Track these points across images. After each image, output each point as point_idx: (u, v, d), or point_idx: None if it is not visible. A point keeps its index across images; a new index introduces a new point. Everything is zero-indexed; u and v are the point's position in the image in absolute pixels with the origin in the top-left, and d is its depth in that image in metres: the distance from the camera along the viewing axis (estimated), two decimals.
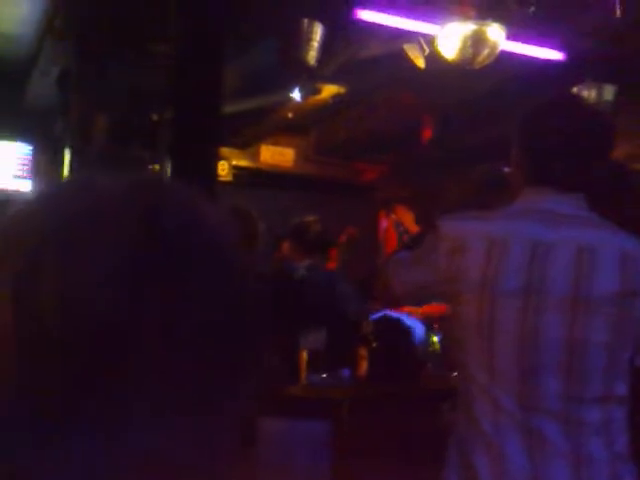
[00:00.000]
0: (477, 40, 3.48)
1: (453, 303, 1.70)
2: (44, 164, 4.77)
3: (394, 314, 3.72)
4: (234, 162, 5.90)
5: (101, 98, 3.98)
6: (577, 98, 1.79)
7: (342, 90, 4.60)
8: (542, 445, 1.57)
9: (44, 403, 0.44)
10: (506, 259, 1.59)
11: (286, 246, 3.85)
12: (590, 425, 1.58)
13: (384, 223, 6.84)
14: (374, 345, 3.38)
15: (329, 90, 4.59)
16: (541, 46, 3.73)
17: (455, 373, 2.37)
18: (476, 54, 3.51)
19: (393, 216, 6.85)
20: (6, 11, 3.96)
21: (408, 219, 6.98)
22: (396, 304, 3.16)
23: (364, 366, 3.35)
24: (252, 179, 5.92)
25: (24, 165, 4.75)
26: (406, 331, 3.60)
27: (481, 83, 4.06)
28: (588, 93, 3.98)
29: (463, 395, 1.69)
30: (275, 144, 6.01)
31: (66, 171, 3.97)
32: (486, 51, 3.51)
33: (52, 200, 0.50)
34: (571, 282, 1.57)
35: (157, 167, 4.29)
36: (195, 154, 2.37)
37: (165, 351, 0.45)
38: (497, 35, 3.50)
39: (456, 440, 1.69)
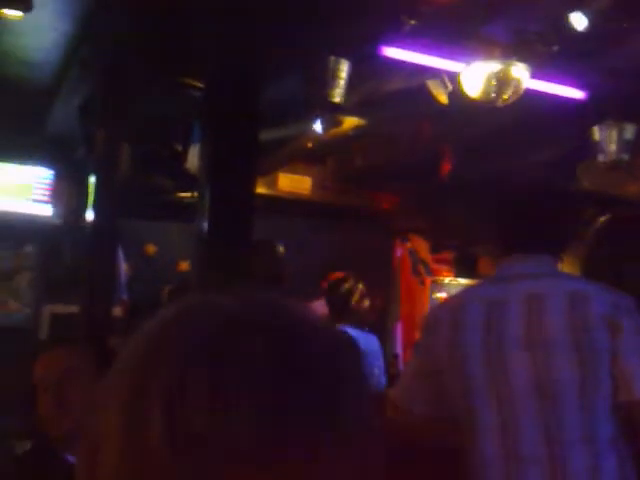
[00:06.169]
0: (501, 79, 3.51)
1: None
2: (66, 190, 4.81)
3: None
4: None
5: (125, 127, 4.01)
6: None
7: (363, 122, 4.63)
8: None
9: None
10: (467, 319, 1.74)
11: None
12: (576, 474, 1.56)
13: (399, 252, 6.85)
14: None
15: (350, 122, 4.61)
16: (563, 85, 3.75)
17: None
18: (500, 93, 3.53)
19: (408, 245, 6.86)
20: (30, 38, 4.00)
21: (423, 249, 7.01)
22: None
23: None
24: (269, 206, 5.94)
25: (45, 190, 4.78)
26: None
27: (503, 118, 4.08)
28: (608, 132, 4.00)
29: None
30: (293, 172, 6.04)
31: (90, 198, 3.99)
32: (510, 90, 3.54)
33: (185, 321, 0.51)
34: (524, 328, 1.66)
35: (189, 195, 4.31)
36: (234, 184, 2.42)
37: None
38: (521, 74, 3.52)
39: None
